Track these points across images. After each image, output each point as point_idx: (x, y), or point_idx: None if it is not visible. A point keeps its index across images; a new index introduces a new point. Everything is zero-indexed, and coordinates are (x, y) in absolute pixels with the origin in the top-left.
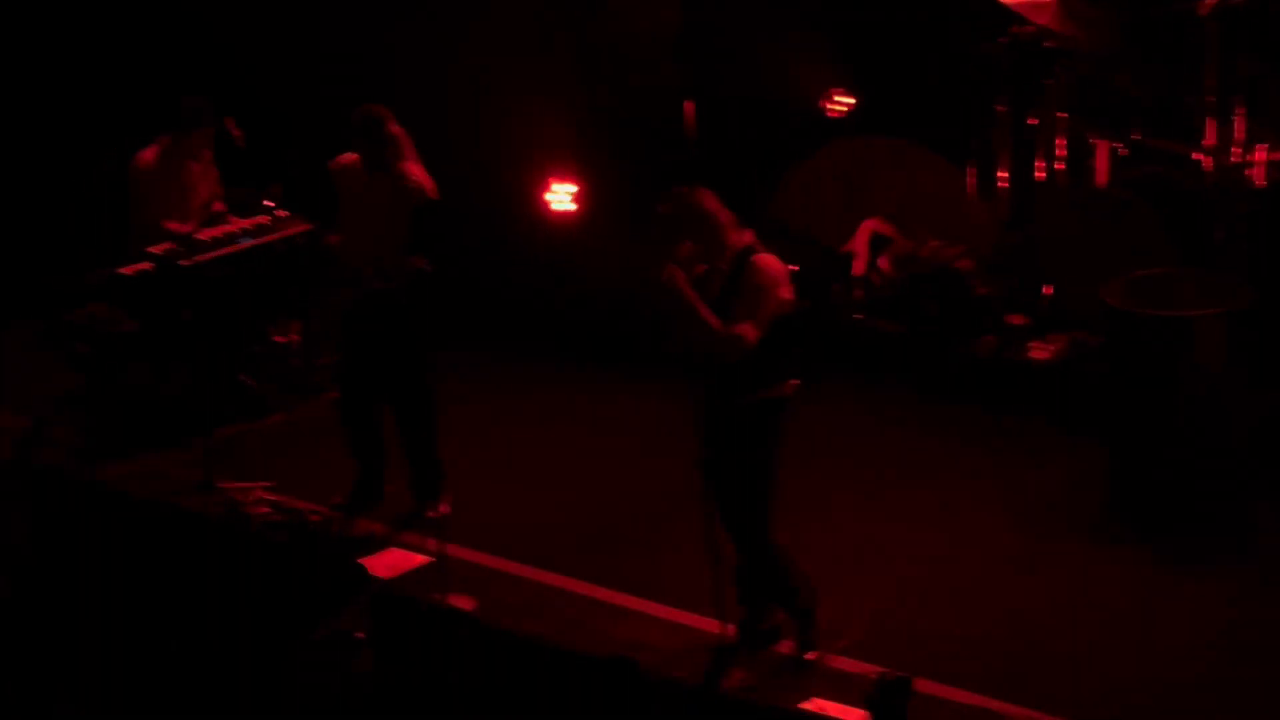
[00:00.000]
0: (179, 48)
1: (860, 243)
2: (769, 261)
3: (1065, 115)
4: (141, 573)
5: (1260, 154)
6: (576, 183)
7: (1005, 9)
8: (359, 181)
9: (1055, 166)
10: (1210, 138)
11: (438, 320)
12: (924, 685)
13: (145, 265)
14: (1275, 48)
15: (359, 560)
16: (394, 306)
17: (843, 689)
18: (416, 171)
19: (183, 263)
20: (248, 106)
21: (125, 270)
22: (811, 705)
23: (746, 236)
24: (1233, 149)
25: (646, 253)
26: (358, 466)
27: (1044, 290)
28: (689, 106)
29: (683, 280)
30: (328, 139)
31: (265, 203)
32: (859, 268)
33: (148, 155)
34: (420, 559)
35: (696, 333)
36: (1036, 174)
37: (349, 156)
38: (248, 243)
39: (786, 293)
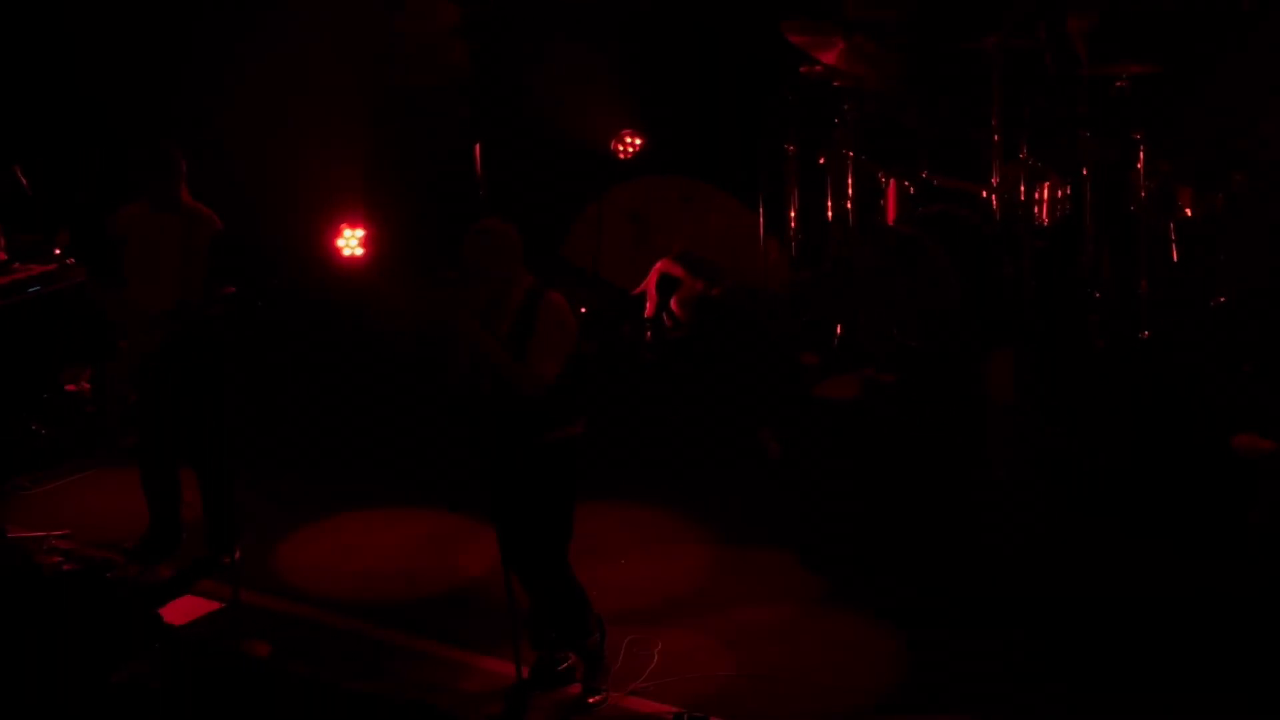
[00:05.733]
0: None
1: (650, 284)
2: (561, 299)
3: (854, 154)
4: None
5: (1045, 191)
6: (365, 227)
7: (794, 48)
8: (145, 224)
9: (845, 205)
10: (996, 175)
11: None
12: None
13: None
14: (1056, 86)
15: (153, 607)
16: (196, 348)
17: None
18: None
19: None
20: (33, 151)
21: None
22: None
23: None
24: (1019, 186)
25: (438, 294)
26: (153, 512)
27: (835, 329)
28: (477, 148)
29: (476, 324)
30: (117, 181)
31: (55, 250)
32: (649, 309)
33: None
34: (214, 605)
35: (494, 373)
36: (826, 213)
37: (128, 207)
38: (35, 290)
39: (576, 332)
